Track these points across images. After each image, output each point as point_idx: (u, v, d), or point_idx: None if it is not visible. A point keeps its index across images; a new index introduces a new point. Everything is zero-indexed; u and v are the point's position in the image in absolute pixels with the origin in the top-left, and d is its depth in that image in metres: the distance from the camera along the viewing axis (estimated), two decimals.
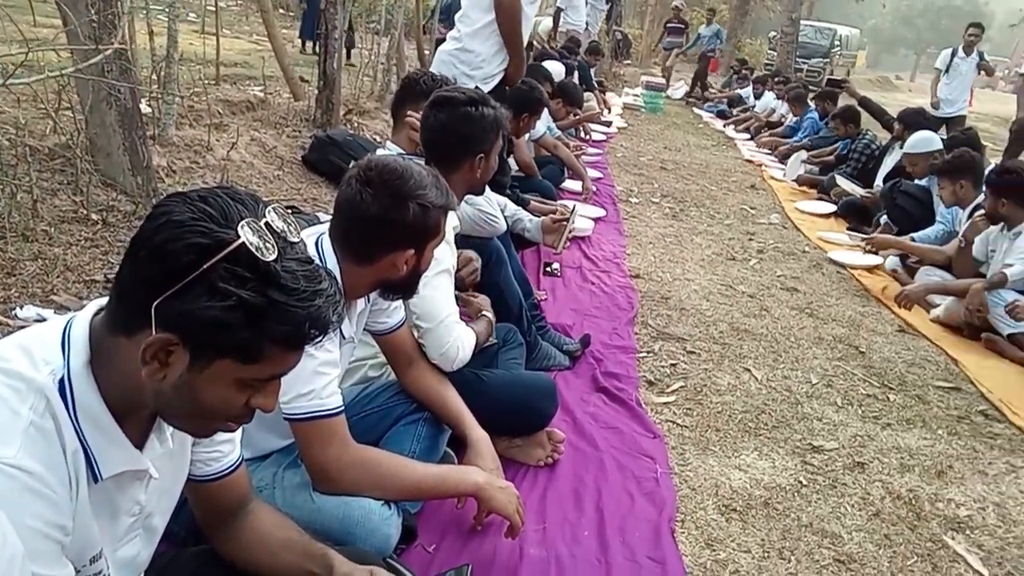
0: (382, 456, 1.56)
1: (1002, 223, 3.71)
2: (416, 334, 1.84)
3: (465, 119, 2.00)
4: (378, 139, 5.21)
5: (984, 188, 3.81)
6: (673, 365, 2.92)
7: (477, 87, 3.46)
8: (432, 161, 2.00)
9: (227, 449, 1.19)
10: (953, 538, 2.02)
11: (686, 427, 2.46)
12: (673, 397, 2.66)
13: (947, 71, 7.99)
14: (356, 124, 5.32)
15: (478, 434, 1.80)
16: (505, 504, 1.62)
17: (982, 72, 8.19)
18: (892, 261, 4.45)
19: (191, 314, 0.84)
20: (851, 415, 2.68)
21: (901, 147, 5.70)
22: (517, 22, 3.40)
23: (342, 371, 1.64)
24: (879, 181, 6.02)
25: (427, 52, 7.94)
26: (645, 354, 2.99)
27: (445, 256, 1.85)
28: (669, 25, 15.38)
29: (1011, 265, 3.51)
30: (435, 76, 2.47)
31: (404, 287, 1.60)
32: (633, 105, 11.22)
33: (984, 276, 3.67)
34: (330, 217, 1.63)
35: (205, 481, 1.17)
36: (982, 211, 3.82)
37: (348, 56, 7.43)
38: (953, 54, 8.02)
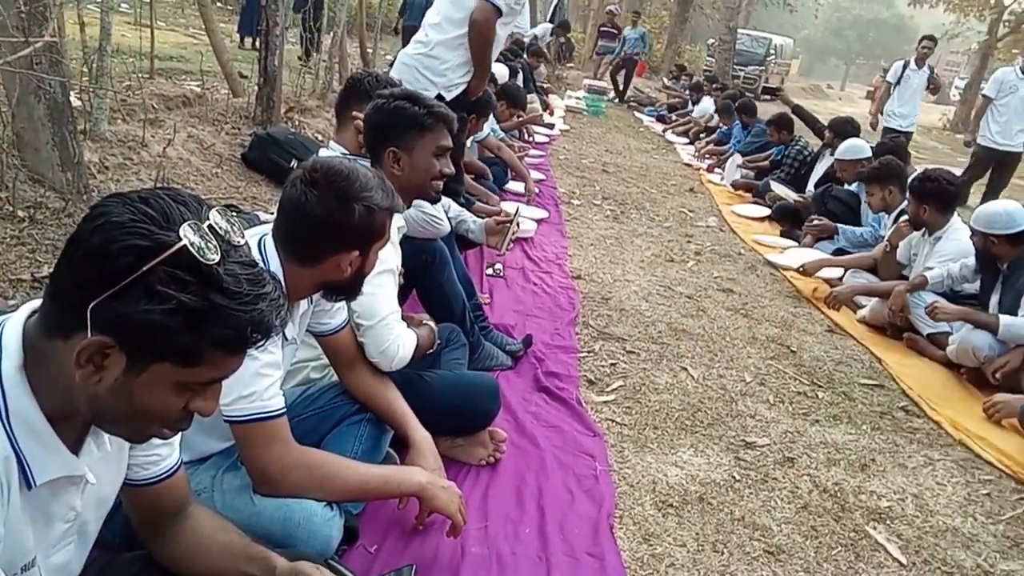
0: (325, 457, 1.56)
1: (923, 228, 3.89)
2: (357, 332, 1.84)
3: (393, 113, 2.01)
4: (320, 138, 5.16)
5: (908, 194, 3.99)
6: (613, 365, 2.98)
7: (440, 94, 3.48)
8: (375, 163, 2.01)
9: (165, 452, 1.17)
10: (875, 528, 2.12)
11: (625, 425, 2.52)
12: (613, 396, 2.72)
13: (898, 83, 7.93)
14: (297, 122, 5.25)
15: (420, 434, 1.81)
16: (447, 503, 1.64)
17: (930, 86, 8.04)
18: (828, 272, 4.59)
19: (129, 317, 0.84)
20: (782, 412, 2.78)
21: (831, 154, 5.92)
22: (489, 40, 3.43)
23: (284, 373, 1.64)
24: (811, 186, 6.24)
25: (370, 50, 7.88)
26: (586, 354, 3.04)
27: (389, 256, 1.85)
28: (603, 29, 15.39)
29: (931, 268, 3.70)
30: (379, 76, 2.46)
31: (348, 288, 1.61)
32: (575, 108, 11.34)
33: (907, 278, 3.85)
34: (270, 216, 1.62)
35: (142, 485, 1.16)
36: (906, 216, 4.00)
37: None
38: (905, 66, 7.94)
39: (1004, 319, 3.15)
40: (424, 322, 2.13)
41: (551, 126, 8.88)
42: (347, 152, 2.33)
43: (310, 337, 1.79)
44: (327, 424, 1.82)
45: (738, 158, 7.51)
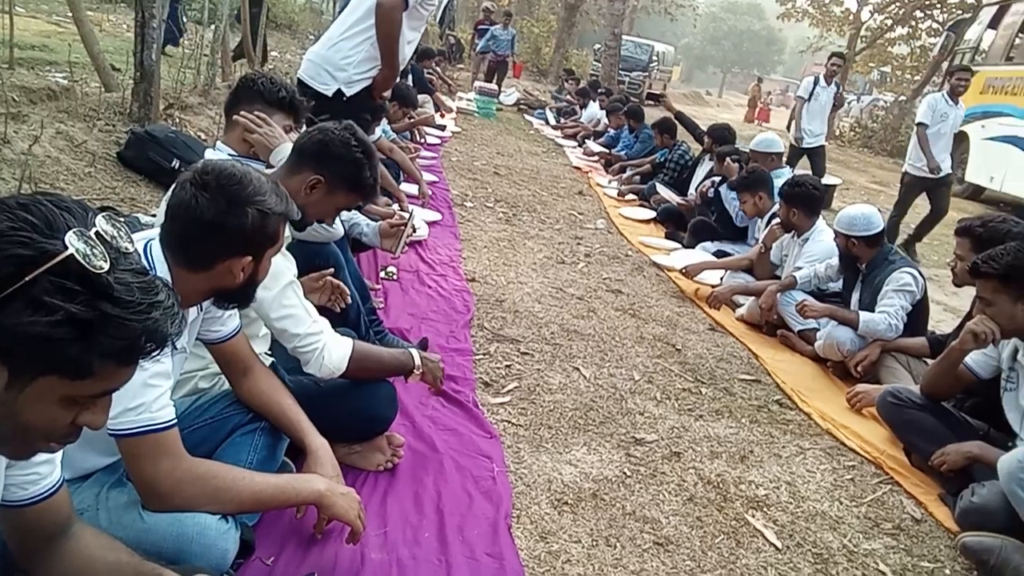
0: (218, 468, 1.52)
1: (793, 231, 4.17)
2: (288, 350, 1.86)
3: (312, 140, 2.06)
4: (204, 137, 4.96)
5: (778, 199, 4.26)
6: (508, 366, 3.03)
7: (340, 89, 3.42)
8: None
9: (46, 470, 1.12)
10: (753, 516, 2.26)
11: (521, 426, 2.57)
12: (508, 397, 2.77)
13: (809, 100, 7.77)
14: (178, 120, 5.02)
15: (318, 442, 1.79)
16: (346, 510, 1.63)
17: (836, 103, 7.96)
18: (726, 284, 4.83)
19: (11, 330, 0.81)
20: (669, 408, 2.92)
21: (711, 159, 6.22)
22: (394, 30, 3.38)
23: (173, 383, 1.58)
24: (692, 190, 6.53)
25: (274, 53, 7.63)
26: (481, 356, 3.08)
27: (285, 268, 1.85)
28: (480, 27, 15.01)
29: (800, 268, 3.97)
30: (273, 79, 2.41)
31: (240, 295, 1.57)
32: (466, 110, 11.39)
33: (780, 278, 4.11)
34: (151, 219, 1.57)
35: (21, 506, 1.10)
36: (778, 220, 4.27)
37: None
38: (815, 83, 7.84)
39: (863, 315, 3.43)
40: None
41: (442, 128, 8.89)
42: (235, 153, 2.27)
43: (199, 346, 1.74)
44: (220, 434, 1.77)
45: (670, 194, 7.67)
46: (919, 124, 6.62)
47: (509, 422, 2.58)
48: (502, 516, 1.99)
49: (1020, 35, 11.53)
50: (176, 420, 1.43)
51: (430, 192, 5.37)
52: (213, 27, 6.42)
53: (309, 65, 3.49)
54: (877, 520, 2.36)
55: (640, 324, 3.80)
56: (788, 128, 8.68)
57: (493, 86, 12.48)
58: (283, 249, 1.91)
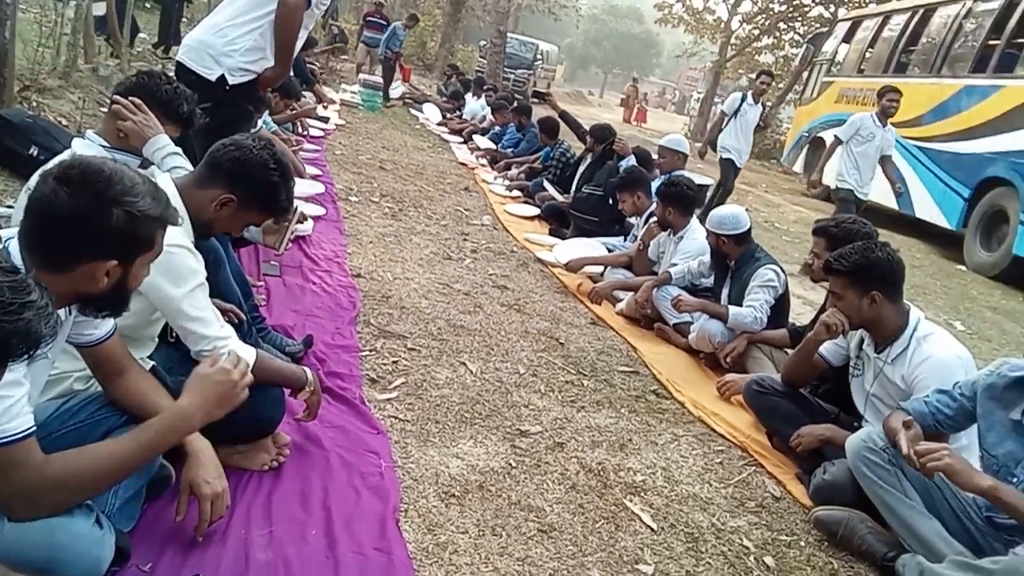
0: (75, 461, 1.41)
1: (669, 229, 4.38)
2: (192, 353, 1.84)
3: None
4: (65, 123, 4.65)
5: (655, 199, 4.47)
6: (395, 362, 3.03)
7: (223, 75, 3.29)
8: None
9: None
10: (631, 501, 2.38)
11: (408, 421, 2.59)
12: (395, 393, 2.78)
13: (735, 116, 7.58)
14: (35, 104, 4.69)
15: (198, 444, 1.74)
16: (209, 487, 1.67)
17: (761, 122, 7.80)
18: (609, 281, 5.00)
19: None
20: (553, 400, 3.01)
21: (592, 158, 6.42)
22: (295, 30, 3.31)
23: (39, 387, 1.50)
24: (574, 188, 6.72)
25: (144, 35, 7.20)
26: (368, 352, 3.07)
27: (198, 268, 1.83)
28: (369, 19, 14.47)
29: (675, 265, 4.18)
30: (178, 88, 2.34)
31: (108, 303, 1.48)
32: (351, 102, 11.20)
33: (657, 274, 4.31)
34: (6, 211, 1.48)
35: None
36: (655, 218, 4.47)
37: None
38: (743, 99, 7.62)
39: (732, 309, 3.65)
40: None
41: (326, 120, 8.71)
42: (108, 145, 2.17)
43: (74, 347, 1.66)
44: (91, 438, 1.67)
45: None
46: (835, 136, 6.55)
47: (396, 418, 2.59)
48: (390, 511, 2.01)
49: (870, 49, 12.53)
50: (32, 428, 1.33)
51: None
52: (74, 3, 6.01)
53: (190, 49, 3.35)
54: (742, 499, 2.54)
55: (525, 319, 3.89)
56: (707, 144, 8.27)
57: (378, 79, 12.31)
58: (193, 249, 1.87)
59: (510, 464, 2.44)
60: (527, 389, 3.06)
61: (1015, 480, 2.06)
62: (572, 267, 4.70)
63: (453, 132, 10.73)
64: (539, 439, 2.66)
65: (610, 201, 5.65)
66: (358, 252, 4.37)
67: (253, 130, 4.63)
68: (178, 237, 1.82)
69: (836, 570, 2.25)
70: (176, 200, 1.91)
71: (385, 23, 13.92)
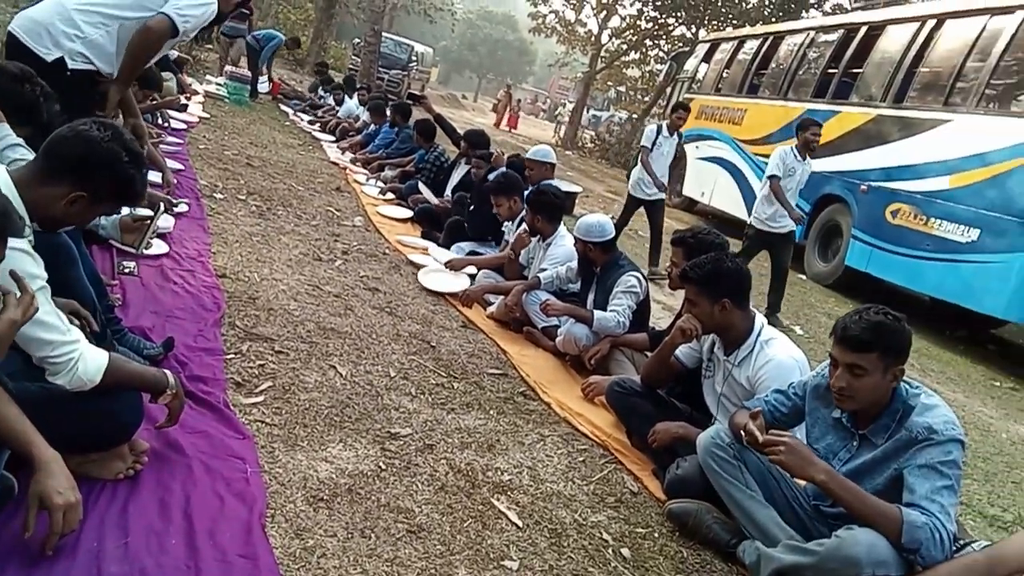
0: None
1: (538, 235, 4.52)
2: (35, 359, 1.74)
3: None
4: None
5: (525, 205, 4.60)
6: (261, 365, 2.97)
7: (63, 58, 3.08)
8: None
9: None
10: (498, 500, 2.45)
11: (275, 425, 2.54)
12: (262, 397, 2.72)
13: (652, 149, 7.36)
14: None
15: (48, 454, 1.65)
16: (61, 498, 1.59)
17: (677, 154, 7.65)
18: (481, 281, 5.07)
19: None
20: (423, 403, 3.04)
21: (467, 162, 6.50)
22: (150, 55, 3.16)
23: None
24: (448, 191, 6.78)
25: None
26: (233, 355, 2.98)
27: (37, 271, 1.72)
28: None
29: (544, 270, 4.32)
30: (31, 78, 2.19)
31: None
32: (216, 95, 10.73)
33: (526, 278, 4.44)
34: None
35: None
36: (524, 227, 4.60)
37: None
38: (658, 132, 7.42)
39: (597, 314, 3.82)
40: None
41: (184, 108, 8.28)
42: None
43: None
44: None
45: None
46: (771, 176, 6.32)
47: (263, 422, 2.54)
48: (256, 516, 1.98)
49: (727, 70, 13.37)
50: None
51: (175, 181, 5.03)
52: None
53: (28, 23, 3.13)
54: (603, 495, 2.68)
55: (397, 322, 3.90)
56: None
57: (246, 71, 11.86)
58: (30, 251, 1.76)
59: (380, 467, 2.45)
60: (398, 392, 3.08)
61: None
62: (454, 266, 4.76)
63: (325, 131, 10.51)
64: (409, 441, 2.68)
65: (471, 208, 5.77)
66: (223, 251, 4.22)
67: None
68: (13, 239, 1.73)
69: (685, 558, 2.42)
70: (15, 198, 1.80)
71: (248, 13, 13.28)
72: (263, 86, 12.60)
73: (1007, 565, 1.94)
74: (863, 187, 8.44)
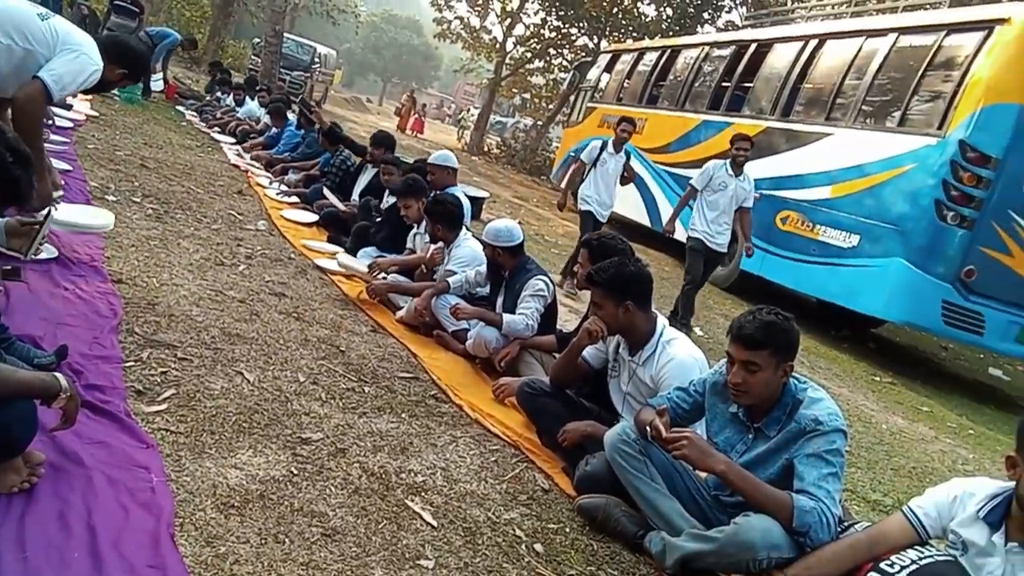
0: None
1: (440, 242, 4.56)
2: None
3: None
4: None
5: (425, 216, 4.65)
6: (164, 373, 2.87)
7: None
8: None
9: None
10: (412, 501, 2.47)
11: (180, 433, 2.47)
12: (165, 405, 2.64)
13: (594, 166, 6.94)
14: None
15: None
16: None
17: (625, 173, 7.01)
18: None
19: None
20: (334, 408, 3.02)
21: (374, 167, 6.46)
22: (37, 120, 3.15)
23: None
24: (355, 196, 6.72)
25: None
26: (132, 363, 2.88)
27: None
28: (117, 3, 12.38)
29: (452, 273, 4.36)
30: None
31: None
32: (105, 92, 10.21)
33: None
34: None
35: None
36: (439, 244, 4.63)
37: None
38: (602, 148, 6.96)
39: (506, 317, 3.89)
40: None
41: (69, 107, 7.84)
42: None
43: None
44: None
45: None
46: (689, 184, 6.38)
47: (167, 430, 2.47)
48: (163, 526, 1.93)
49: (627, 80, 13.79)
50: None
51: (63, 183, 4.77)
52: None
53: None
54: (515, 494, 2.74)
55: (305, 327, 3.84)
56: (568, 194, 7.61)
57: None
58: None
59: (292, 472, 2.42)
60: (308, 397, 3.04)
61: None
62: (381, 266, 4.71)
63: (225, 132, 10.19)
64: (321, 446, 2.66)
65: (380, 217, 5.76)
66: (118, 256, 4.05)
67: None
68: None
69: (596, 550, 2.50)
70: None
71: (137, 10, 12.53)
72: (156, 84, 12.08)
73: (885, 543, 2.12)
74: (756, 195, 8.88)
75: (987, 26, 6.91)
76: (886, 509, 3.54)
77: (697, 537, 2.34)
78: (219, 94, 12.69)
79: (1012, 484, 1.98)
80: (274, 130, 9.29)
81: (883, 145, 7.46)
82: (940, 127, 6.89)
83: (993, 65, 6.66)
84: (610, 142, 6.99)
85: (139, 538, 1.86)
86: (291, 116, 9.48)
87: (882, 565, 2.03)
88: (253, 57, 21.23)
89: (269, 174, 7.97)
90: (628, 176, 7.01)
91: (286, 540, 2.06)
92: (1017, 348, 7.12)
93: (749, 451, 2.48)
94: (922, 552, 2.03)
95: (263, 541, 2.02)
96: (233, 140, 9.80)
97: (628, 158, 7.02)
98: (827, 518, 2.19)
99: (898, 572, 1.98)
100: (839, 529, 2.25)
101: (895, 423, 5.34)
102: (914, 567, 1.97)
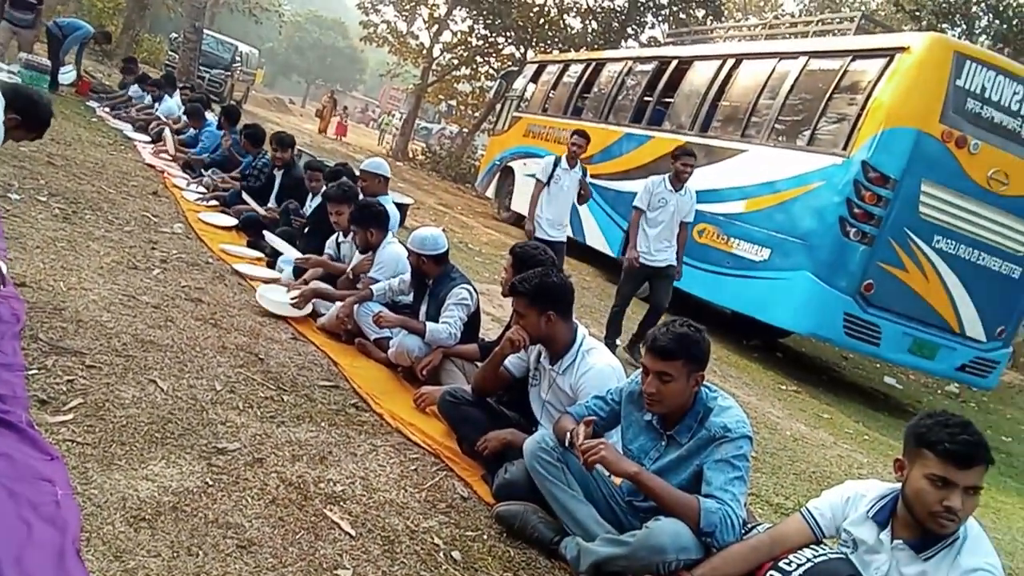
0: None
1: (369, 249, 4.55)
2: None
3: None
4: None
5: (353, 222, 4.63)
6: (70, 381, 2.77)
7: None
8: None
9: None
10: (331, 510, 2.46)
11: (88, 444, 2.40)
12: (71, 415, 2.55)
13: (548, 183, 6.46)
14: None
15: None
16: None
17: (582, 191, 6.54)
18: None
19: None
20: (252, 417, 2.97)
21: (280, 168, 6.41)
22: None
23: None
24: (272, 201, 6.60)
25: None
26: (36, 371, 2.77)
27: None
28: None
29: (376, 281, 4.35)
30: None
31: None
32: (6, 84, 9.70)
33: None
34: None
35: None
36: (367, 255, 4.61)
37: None
38: (556, 164, 6.48)
39: (429, 325, 3.91)
40: None
41: None
42: None
43: None
44: None
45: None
46: (634, 207, 6.08)
47: (74, 441, 2.39)
48: (69, 541, 1.87)
49: (553, 91, 13.98)
50: None
51: None
52: None
53: None
54: (434, 502, 2.76)
55: (222, 334, 3.77)
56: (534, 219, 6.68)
57: (45, 60, 10.81)
58: None
59: (207, 483, 2.38)
60: (224, 406, 2.99)
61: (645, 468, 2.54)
62: (312, 264, 4.64)
63: (139, 130, 9.82)
64: (237, 456, 2.62)
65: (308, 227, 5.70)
66: (21, 258, 3.87)
67: None
68: None
69: (512, 557, 2.55)
70: None
71: (35, 2, 11.77)
72: (66, 77, 11.53)
73: (785, 543, 2.25)
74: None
75: (889, 53, 7.34)
76: (787, 511, 3.71)
77: (611, 541, 2.42)
78: (136, 90, 12.20)
79: (899, 485, 2.13)
80: (193, 131, 9.02)
81: (793, 163, 7.81)
82: (845, 147, 7.27)
83: (893, 91, 7.08)
84: (563, 158, 6.53)
85: (43, 554, 1.80)
86: (210, 116, 9.23)
87: (781, 564, 2.15)
88: (170, 53, 20.50)
89: (187, 175, 7.73)
90: (584, 194, 6.57)
91: (200, 553, 2.03)
92: (909, 358, 7.57)
93: (662, 457, 2.57)
94: (817, 551, 2.17)
95: (175, 554, 1.99)
96: (148, 139, 9.46)
97: (585, 174, 6.56)
98: (732, 520, 2.30)
99: (795, 570, 2.11)
100: (743, 530, 2.37)
101: (798, 429, 5.60)
102: (809, 565, 2.11)
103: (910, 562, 2.07)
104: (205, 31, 18.26)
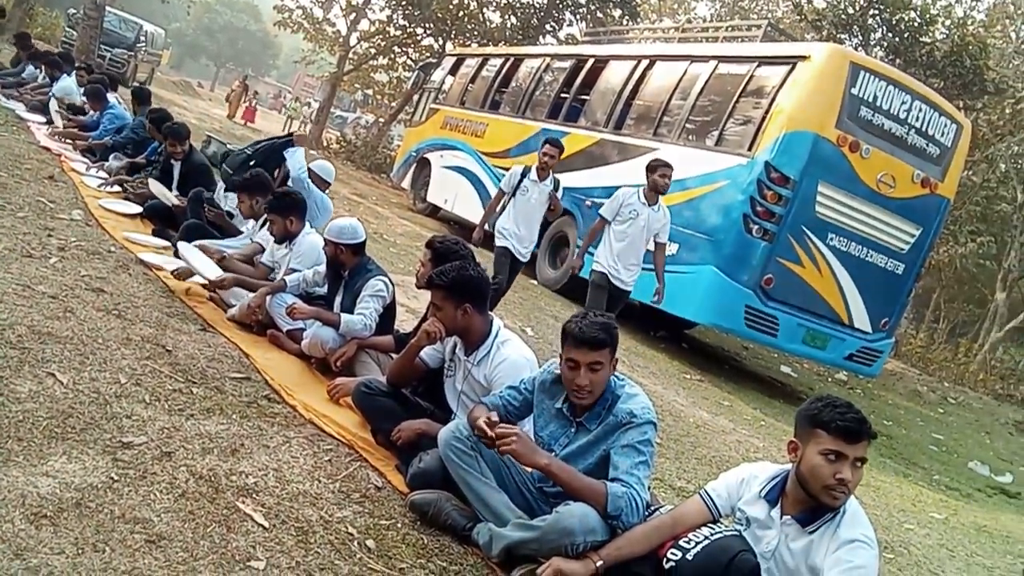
0: None
1: (286, 240, 4.49)
2: None
3: None
4: None
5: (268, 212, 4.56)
6: None
7: None
8: None
9: None
10: (244, 503, 2.45)
11: None
12: None
13: (514, 195, 5.99)
14: None
15: None
16: None
17: (551, 205, 6.03)
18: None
19: None
20: (159, 410, 2.91)
21: (182, 161, 6.26)
22: None
23: None
24: (174, 188, 6.38)
25: None
26: None
27: None
28: None
29: (293, 272, 4.31)
30: None
31: None
32: None
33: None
34: None
35: None
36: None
37: None
38: (524, 175, 5.97)
39: (344, 317, 3.90)
40: None
41: None
42: None
43: None
44: None
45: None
46: (599, 215, 5.79)
47: None
48: None
49: (471, 85, 14.00)
50: None
51: None
52: None
53: None
54: (348, 492, 2.77)
55: (127, 325, 3.65)
56: (483, 227, 6.43)
57: None
58: None
59: (112, 478, 2.33)
60: (130, 399, 2.91)
61: (555, 455, 2.63)
62: (228, 283, 4.43)
63: (33, 110, 9.30)
64: (144, 450, 2.57)
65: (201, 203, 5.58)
66: None
67: None
68: None
69: (426, 544, 2.60)
70: None
71: None
72: None
73: (685, 523, 2.39)
74: (588, 202, 9.34)
75: (791, 61, 7.73)
76: (688, 494, 3.89)
77: (521, 526, 2.50)
78: (31, 68, 11.53)
79: (788, 467, 2.30)
80: (94, 114, 8.60)
81: (702, 162, 8.11)
82: (750, 148, 7.62)
83: (795, 96, 7.46)
84: (533, 168, 5.97)
85: None
86: (111, 98, 8.82)
87: (681, 542, 2.29)
88: (67, 29, 19.41)
89: (87, 159, 7.39)
90: (555, 208, 6.07)
91: (106, 549, 1.99)
92: (803, 348, 8.03)
93: (571, 443, 2.67)
94: (713, 529, 2.32)
95: (80, 551, 1.94)
96: (44, 119, 8.97)
97: (556, 187, 5.99)
98: (637, 503, 2.42)
99: (693, 548, 2.25)
100: (647, 512, 2.49)
101: (701, 417, 5.86)
102: (706, 542, 2.25)
103: (797, 536, 2.24)
104: (108, 8, 17.39)
